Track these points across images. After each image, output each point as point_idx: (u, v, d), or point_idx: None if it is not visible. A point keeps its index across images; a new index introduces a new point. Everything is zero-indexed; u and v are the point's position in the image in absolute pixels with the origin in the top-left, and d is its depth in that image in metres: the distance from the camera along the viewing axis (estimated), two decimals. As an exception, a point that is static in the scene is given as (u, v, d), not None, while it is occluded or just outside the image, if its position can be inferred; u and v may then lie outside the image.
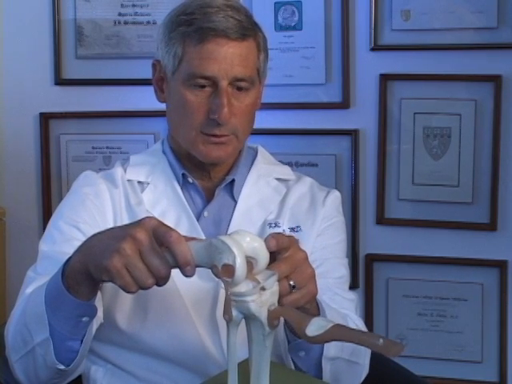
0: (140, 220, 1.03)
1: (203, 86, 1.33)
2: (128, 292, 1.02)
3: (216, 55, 1.31)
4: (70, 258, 1.10)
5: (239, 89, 1.34)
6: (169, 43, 1.35)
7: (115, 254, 0.99)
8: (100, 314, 1.27)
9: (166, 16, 1.40)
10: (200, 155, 1.37)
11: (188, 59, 1.33)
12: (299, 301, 1.06)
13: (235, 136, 1.36)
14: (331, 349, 1.24)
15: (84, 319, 1.12)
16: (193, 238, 1.04)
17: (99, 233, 1.08)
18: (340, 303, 1.37)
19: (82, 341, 1.15)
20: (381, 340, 0.91)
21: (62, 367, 1.15)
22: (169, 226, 1.02)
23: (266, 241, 1.01)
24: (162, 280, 1.01)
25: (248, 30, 1.34)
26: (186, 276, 1.00)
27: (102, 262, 1.01)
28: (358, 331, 0.96)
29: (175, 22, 1.35)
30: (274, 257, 1.03)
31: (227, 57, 1.31)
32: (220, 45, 1.31)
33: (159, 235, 1.01)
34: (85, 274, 1.06)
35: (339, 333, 0.95)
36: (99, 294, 1.18)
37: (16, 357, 1.19)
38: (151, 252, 0.99)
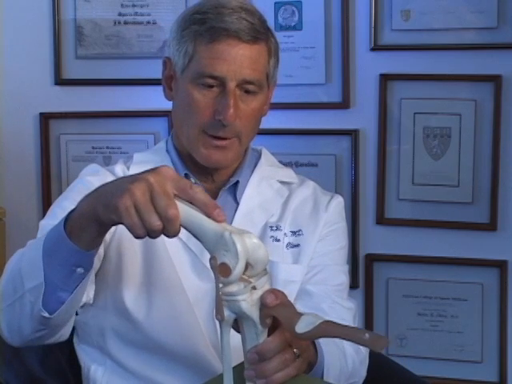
0: (156, 167, 1.02)
1: (211, 86, 1.32)
2: (136, 236, 1.01)
3: (226, 56, 1.31)
4: (77, 204, 1.09)
5: (247, 92, 1.34)
6: (180, 41, 1.35)
7: (126, 192, 0.99)
8: (91, 294, 1.29)
9: (180, 14, 1.40)
10: (200, 158, 1.36)
11: (198, 58, 1.33)
12: (302, 367, 1.07)
13: (238, 139, 1.35)
14: (330, 381, 1.24)
15: (78, 270, 1.11)
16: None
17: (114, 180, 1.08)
18: (339, 312, 1.37)
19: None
20: (366, 335, 0.93)
21: (46, 315, 1.13)
22: (187, 180, 1.02)
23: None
24: (169, 223, 0.98)
25: (260, 33, 1.33)
26: (218, 220, 0.98)
27: (112, 201, 1.00)
28: (346, 327, 0.98)
29: (188, 20, 1.35)
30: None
31: (237, 58, 1.31)
32: (231, 45, 1.31)
33: (180, 186, 1.00)
34: (92, 217, 1.05)
35: (328, 329, 0.97)
36: (97, 262, 1.18)
37: (3, 305, 1.18)
38: (161, 194, 0.98)
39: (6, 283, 1.18)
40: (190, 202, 1.00)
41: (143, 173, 1.02)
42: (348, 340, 0.96)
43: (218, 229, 0.98)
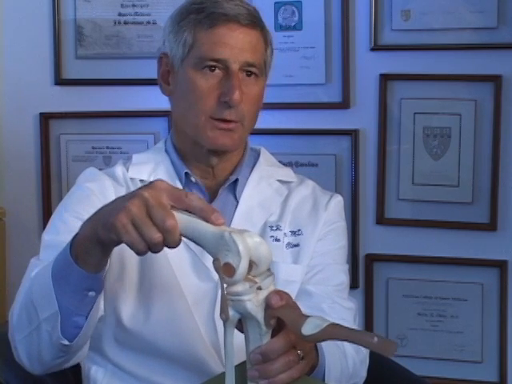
0: (151, 182, 1.03)
1: (214, 69, 1.33)
2: (138, 252, 1.01)
3: (227, 39, 1.32)
4: (80, 228, 1.10)
5: (248, 75, 1.35)
6: (178, 32, 1.36)
7: (122, 210, 1.00)
8: (101, 305, 1.28)
9: (173, 12, 1.41)
10: (206, 141, 1.36)
11: (199, 45, 1.34)
12: (305, 369, 1.06)
13: (241, 124, 1.36)
14: (331, 382, 1.24)
15: (90, 293, 1.12)
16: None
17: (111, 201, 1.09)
18: (339, 312, 1.37)
19: (87, 317, 1.15)
20: (375, 338, 0.91)
21: (66, 343, 1.14)
22: (182, 189, 1.03)
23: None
24: (168, 234, 0.99)
25: (257, 19, 1.36)
26: (217, 223, 0.98)
27: (109, 220, 1.01)
28: (353, 330, 0.96)
29: (185, 11, 1.37)
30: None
31: (238, 42, 1.33)
32: (231, 29, 1.32)
33: (175, 196, 1.01)
34: (94, 239, 1.06)
35: (334, 332, 0.96)
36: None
37: (20, 336, 1.18)
38: (156, 206, 0.99)
39: (19, 315, 1.19)
40: (188, 211, 1.00)
41: (137, 189, 1.03)
42: (356, 343, 0.94)
43: (217, 231, 0.98)
